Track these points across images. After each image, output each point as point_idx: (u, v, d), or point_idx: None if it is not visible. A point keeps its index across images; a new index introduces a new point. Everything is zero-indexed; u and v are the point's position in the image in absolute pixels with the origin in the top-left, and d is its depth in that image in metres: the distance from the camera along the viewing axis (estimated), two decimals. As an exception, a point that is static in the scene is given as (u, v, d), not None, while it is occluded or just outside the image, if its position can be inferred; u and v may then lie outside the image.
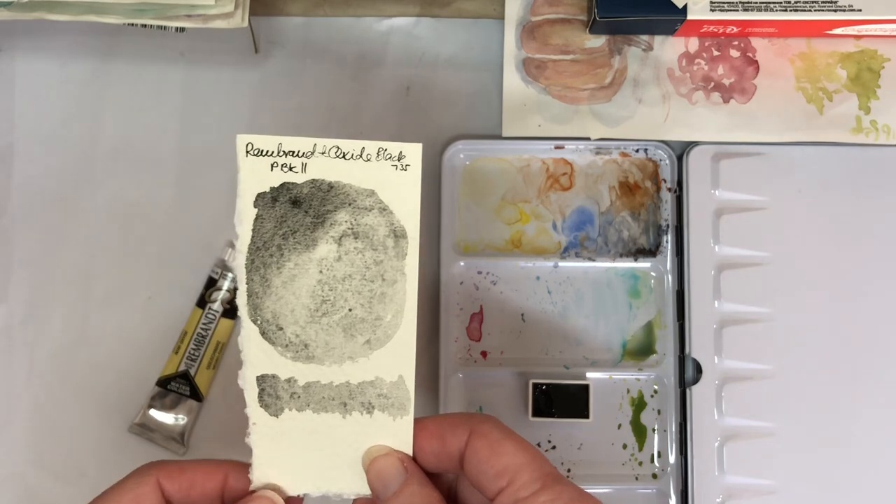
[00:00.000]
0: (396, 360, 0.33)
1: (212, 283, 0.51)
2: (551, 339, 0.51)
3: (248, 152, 0.32)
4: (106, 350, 0.51)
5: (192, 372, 0.50)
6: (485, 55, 0.53)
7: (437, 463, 0.34)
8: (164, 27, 0.49)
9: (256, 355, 0.33)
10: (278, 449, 0.34)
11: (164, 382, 0.50)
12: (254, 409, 0.33)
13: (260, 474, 0.34)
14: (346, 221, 0.33)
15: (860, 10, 0.49)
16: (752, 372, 0.50)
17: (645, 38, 0.52)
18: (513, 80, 0.52)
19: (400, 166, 0.33)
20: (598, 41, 0.52)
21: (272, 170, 0.32)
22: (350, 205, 0.32)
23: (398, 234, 0.33)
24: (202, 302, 0.51)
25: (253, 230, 0.32)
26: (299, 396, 0.33)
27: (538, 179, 0.52)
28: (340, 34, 0.53)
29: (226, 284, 0.51)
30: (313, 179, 0.32)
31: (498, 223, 0.52)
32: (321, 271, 0.33)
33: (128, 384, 0.51)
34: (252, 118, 0.53)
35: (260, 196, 0.32)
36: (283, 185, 0.32)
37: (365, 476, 0.34)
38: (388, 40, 0.53)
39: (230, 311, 0.51)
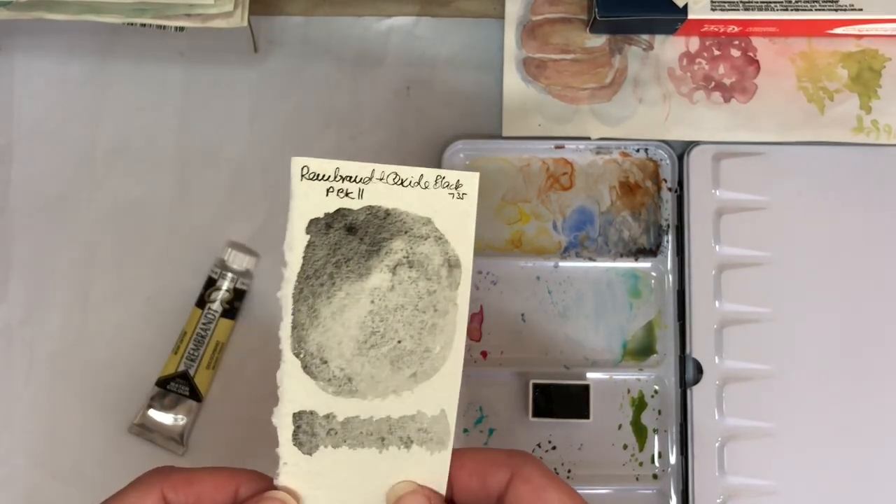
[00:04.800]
0: (440, 393, 0.32)
1: (211, 284, 0.51)
2: (551, 339, 0.51)
3: (303, 176, 0.31)
4: (105, 350, 0.51)
5: (191, 372, 0.50)
6: (485, 55, 0.53)
7: (473, 501, 0.33)
8: (164, 27, 0.49)
9: (296, 391, 0.31)
10: (308, 489, 0.32)
11: (163, 382, 0.50)
12: (286, 449, 0.32)
13: None
14: (401, 250, 0.31)
15: (861, 10, 0.49)
16: (753, 372, 0.50)
17: (645, 37, 0.52)
18: (513, 79, 0.52)
19: (457, 195, 0.31)
20: (598, 41, 0.52)
21: (328, 195, 0.31)
22: (406, 233, 0.31)
23: (452, 264, 0.32)
24: (202, 302, 0.51)
25: (304, 258, 0.31)
26: (336, 433, 0.32)
27: (538, 179, 0.52)
28: (340, 34, 0.53)
29: (225, 284, 0.51)
30: (370, 206, 0.31)
31: (498, 223, 0.52)
32: (373, 301, 0.31)
33: (127, 384, 0.51)
34: (252, 118, 0.53)
35: (313, 222, 0.31)
36: (338, 210, 0.31)
37: None
38: (388, 40, 0.53)
39: (229, 311, 0.51)
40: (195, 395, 0.50)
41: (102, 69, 0.53)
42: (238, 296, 0.51)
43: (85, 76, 0.53)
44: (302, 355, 0.31)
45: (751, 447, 0.49)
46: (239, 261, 0.51)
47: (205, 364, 0.50)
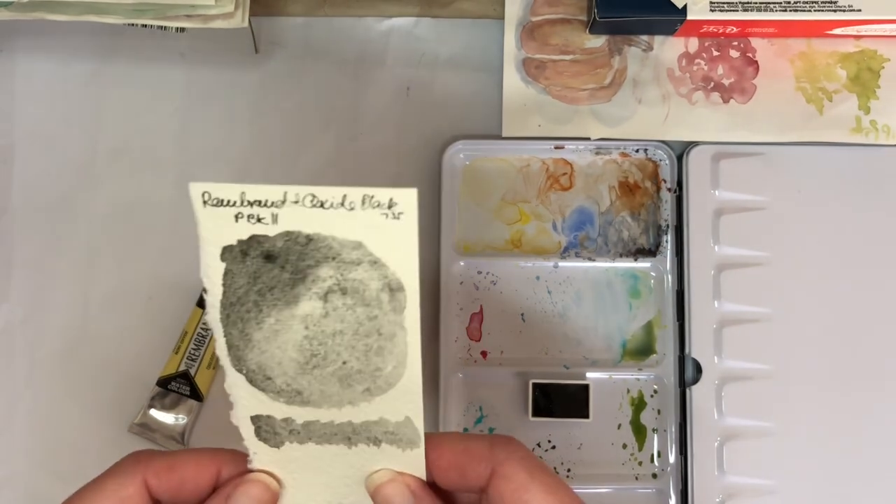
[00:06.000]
0: (401, 404, 0.30)
1: (212, 283, 0.51)
2: (551, 339, 0.51)
3: (205, 202, 0.27)
4: (106, 350, 0.51)
5: (192, 372, 0.50)
6: (485, 55, 0.53)
7: (456, 489, 0.32)
8: (165, 27, 0.49)
9: (247, 399, 0.30)
10: (283, 473, 0.32)
11: (164, 382, 0.50)
12: (252, 442, 0.31)
13: None
14: (330, 277, 0.28)
15: (860, 11, 0.49)
16: (752, 372, 0.50)
17: (645, 38, 0.52)
18: (513, 80, 0.52)
19: (391, 215, 0.27)
20: (597, 41, 0.52)
21: (237, 221, 0.28)
22: (334, 259, 0.28)
23: (394, 288, 0.29)
24: (202, 302, 0.51)
25: (224, 285, 0.28)
26: (299, 432, 0.31)
27: (538, 179, 0.52)
28: (341, 34, 0.53)
29: (226, 284, 0.51)
30: (287, 231, 0.28)
31: (498, 223, 0.52)
32: (307, 327, 0.29)
33: (128, 384, 0.51)
34: (252, 119, 0.53)
35: (227, 249, 0.28)
36: (252, 237, 0.28)
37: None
38: (388, 40, 0.53)
39: (230, 311, 0.51)
40: (196, 394, 0.50)
41: (103, 70, 0.53)
42: (239, 296, 0.51)
43: (86, 77, 0.53)
44: (244, 371, 0.30)
45: (750, 446, 0.49)
46: (239, 261, 0.51)
47: (205, 364, 0.50)
